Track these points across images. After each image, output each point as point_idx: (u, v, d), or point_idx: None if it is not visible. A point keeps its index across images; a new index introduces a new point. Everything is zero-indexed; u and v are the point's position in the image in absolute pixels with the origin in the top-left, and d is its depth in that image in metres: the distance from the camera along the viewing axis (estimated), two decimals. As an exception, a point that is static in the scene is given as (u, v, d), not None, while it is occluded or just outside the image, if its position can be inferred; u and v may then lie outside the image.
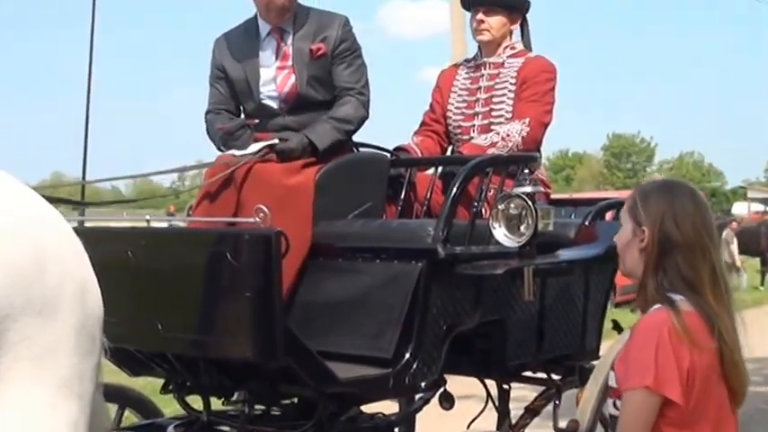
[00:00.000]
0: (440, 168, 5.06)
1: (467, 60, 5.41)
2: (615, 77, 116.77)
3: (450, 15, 17.15)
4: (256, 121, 4.77)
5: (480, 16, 5.18)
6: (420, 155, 5.12)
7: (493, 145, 4.88)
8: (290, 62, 4.81)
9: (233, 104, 4.95)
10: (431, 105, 5.36)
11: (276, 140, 4.60)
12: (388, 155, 5.03)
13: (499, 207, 4.14)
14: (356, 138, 4.93)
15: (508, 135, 4.91)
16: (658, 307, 2.97)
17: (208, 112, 4.95)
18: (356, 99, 4.82)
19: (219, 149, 4.79)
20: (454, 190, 4.18)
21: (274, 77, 4.82)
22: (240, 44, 4.90)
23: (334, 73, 4.82)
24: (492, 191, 4.58)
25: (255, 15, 4.90)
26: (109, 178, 4.74)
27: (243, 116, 4.92)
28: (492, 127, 5.03)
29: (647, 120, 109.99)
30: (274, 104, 4.83)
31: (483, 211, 4.45)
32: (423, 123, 5.36)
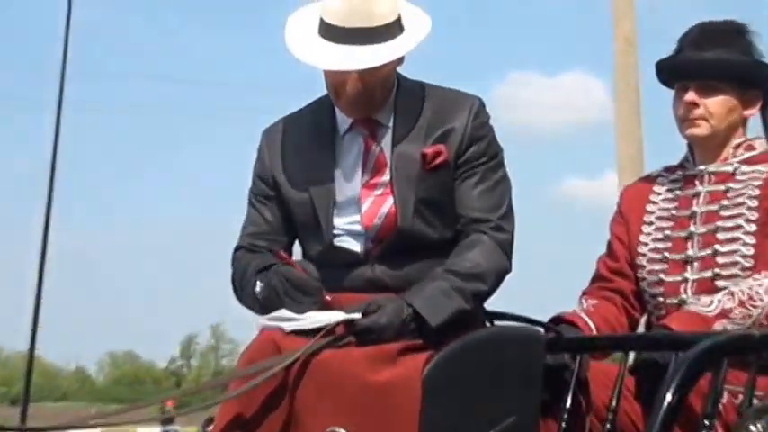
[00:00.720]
0: (630, 355, 3.05)
1: (667, 170, 3.40)
2: None
3: (614, 93, 11.64)
4: (328, 298, 2.93)
5: (691, 96, 3.22)
6: (594, 330, 3.20)
7: (725, 314, 2.98)
8: (385, 177, 3.05)
9: (284, 239, 3.15)
10: (608, 246, 3.41)
11: (357, 314, 2.84)
12: (542, 330, 3.09)
13: (750, 429, 2.65)
14: (490, 303, 3.09)
15: (751, 296, 3.00)
16: None
17: (238, 248, 3.16)
18: (492, 239, 3.03)
19: (254, 304, 3.00)
20: (668, 398, 2.53)
21: (358, 201, 3.05)
22: (304, 142, 3.13)
23: (459, 193, 3.05)
24: (731, 397, 2.85)
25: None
26: (52, 427, 2.81)
27: (304, 262, 3.06)
28: (719, 282, 3.11)
29: None
30: (357, 246, 3.04)
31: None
32: (596, 277, 3.36)
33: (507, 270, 3.05)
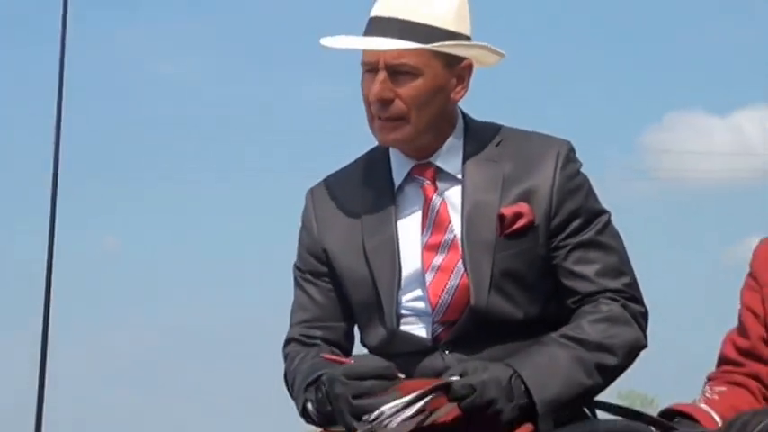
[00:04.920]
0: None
1: None
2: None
3: None
4: (401, 375, 2.38)
5: None
6: (719, 424, 2.54)
7: None
8: (449, 234, 2.49)
9: (342, 324, 2.60)
10: (739, 321, 2.81)
11: (455, 376, 2.30)
12: (651, 428, 2.52)
13: None
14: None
15: None
16: None
17: (289, 341, 2.61)
18: (625, 309, 2.47)
19: (306, 414, 2.46)
20: None
21: (422, 270, 2.49)
22: (357, 202, 2.59)
23: (564, 263, 2.49)
24: None
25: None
26: None
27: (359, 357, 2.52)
28: None
29: None
30: (423, 330, 2.49)
31: None
32: (722, 359, 2.80)
33: (643, 346, 2.50)
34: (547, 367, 2.34)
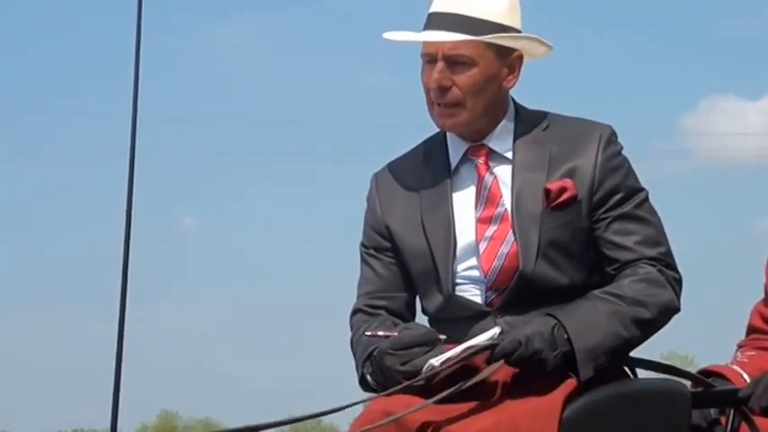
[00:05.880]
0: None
1: None
2: None
3: None
4: (442, 337, 2.60)
5: None
6: (749, 382, 2.74)
7: None
8: (500, 208, 2.71)
9: (404, 295, 2.82)
10: (766, 293, 3.01)
11: (496, 330, 2.56)
12: (689, 384, 2.75)
13: None
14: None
15: None
16: None
17: (355, 312, 2.84)
18: (662, 274, 2.66)
19: (366, 384, 2.68)
20: None
21: (476, 240, 2.71)
22: (417, 183, 2.81)
23: (605, 234, 2.70)
24: None
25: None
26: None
27: (425, 321, 2.78)
28: None
29: None
30: (477, 296, 2.70)
31: None
32: (750, 329, 3.01)
33: (677, 308, 2.69)
34: (587, 318, 2.56)
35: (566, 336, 2.52)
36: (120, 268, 3.83)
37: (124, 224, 3.86)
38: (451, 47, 2.67)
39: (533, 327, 2.52)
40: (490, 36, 2.68)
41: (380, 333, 2.65)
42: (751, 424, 2.63)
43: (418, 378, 2.49)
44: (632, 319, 2.60)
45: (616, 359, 2.60)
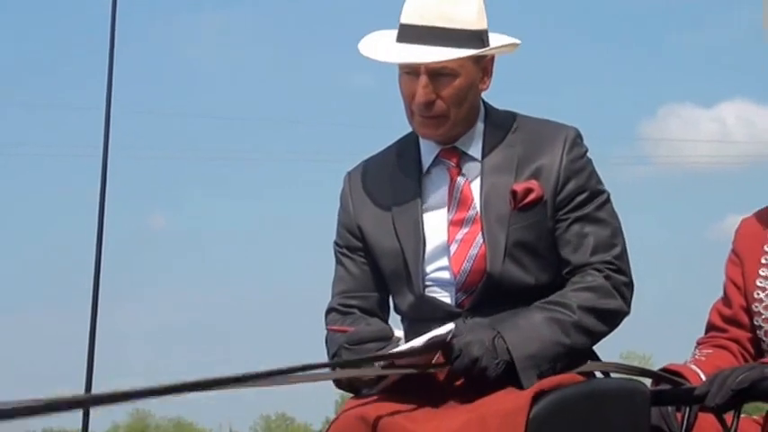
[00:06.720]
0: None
1: None
2: None
3: None
4: (398, 334, 2.68)
5: None
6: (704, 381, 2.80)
7: None
8: (472, 211, 2.75)
9: (375, 294, 2.86)
10: (724, 291, 3.06)
11: (449, 327, 2.55)
12: (648, 382, 2.81)
13: None
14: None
15: None
16: None
17: (329, 311, 2.88)
18: (609, 280, 2.70)
19: (337, 381, 2.71)
20: None
21: (446, 242, 2.76)
22: (389, 183, 2.86)
23: (564, 234, 2.74)
24: None
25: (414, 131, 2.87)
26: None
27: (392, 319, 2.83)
28: None
29: None
30: (447, 297, 2.75)
31: None
32: (709, 326, 3.07)
33: (625, 313, 2.73)
34: (527, 327, 2.60)
35: (505, 346, 2.55)
36: (93, 267, 3.85)
37: (96, 222, 3.87)
38: (444, 83, 2.70)
39: (474, 335, 2.55)
40: (482, 50, 2.72)
41: (335, 327, 2.72)
42: (723, 424, 2.69)
43: (381, 355, 2.55)
44: (575, 327, 2.63)
45: (563, 366, 2.62)
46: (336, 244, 2.91)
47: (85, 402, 2.06)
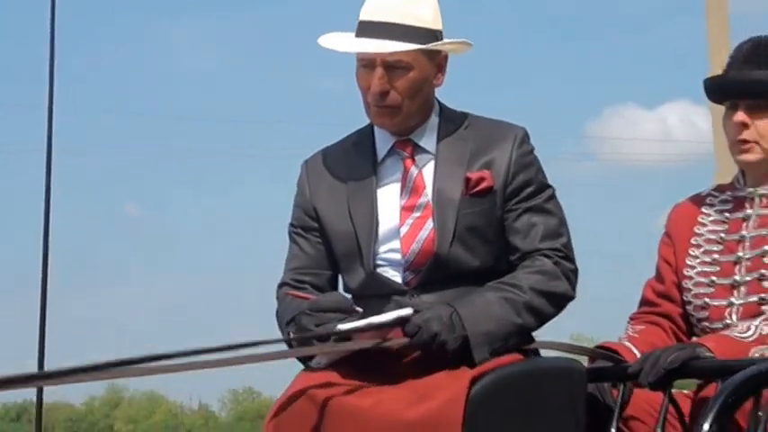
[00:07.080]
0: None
1: (717, 190, 3.27)
2: None
3: (713, 125, 10.31)
4: (359, 309, 2.82)
5: (740, 117, 3.07)
6: (637, 359, 2.99)
7: (762, 340, 2.88)
8: (423, 198, 2.95)
9: (328, 272, 3.05)
10: (657, 269, 3.28)
11: (409, 311, 2.74)
12: (585, 359, 3.01)
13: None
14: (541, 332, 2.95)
15: None
16: None
17: (282, 285, 3.05)
18: (557, 265, 2.90)
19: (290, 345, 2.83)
20: (705, 427, 2.49)
21: (398, 226, 2.94)
22: (345, 171, 3.04)
23: (514, 223, 2.94)
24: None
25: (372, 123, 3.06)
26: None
27: (345, 294, 2.99)
28: (765, 307, 2.99)
29: None
30: (396, 275, 2.93)
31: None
32: (643, 301, 3.28)
33: (571, 297, 2.93)
34: (482, 306, 2.79)
35: (461, 322, 2.73)
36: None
37: (42, 217, 3.97)
38: (391, 54, 2.88)
39: (433, 312, 2.73)
40: (432, 44, 2.92)
41: (298, 294, 2.88)
42: (675, 405, 2.86)
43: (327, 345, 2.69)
44: (526, 308, 2.83)
45: (512, 344, 2.80)
46: (292, 225, 3.09)
47: (37, 378, 2.20)
